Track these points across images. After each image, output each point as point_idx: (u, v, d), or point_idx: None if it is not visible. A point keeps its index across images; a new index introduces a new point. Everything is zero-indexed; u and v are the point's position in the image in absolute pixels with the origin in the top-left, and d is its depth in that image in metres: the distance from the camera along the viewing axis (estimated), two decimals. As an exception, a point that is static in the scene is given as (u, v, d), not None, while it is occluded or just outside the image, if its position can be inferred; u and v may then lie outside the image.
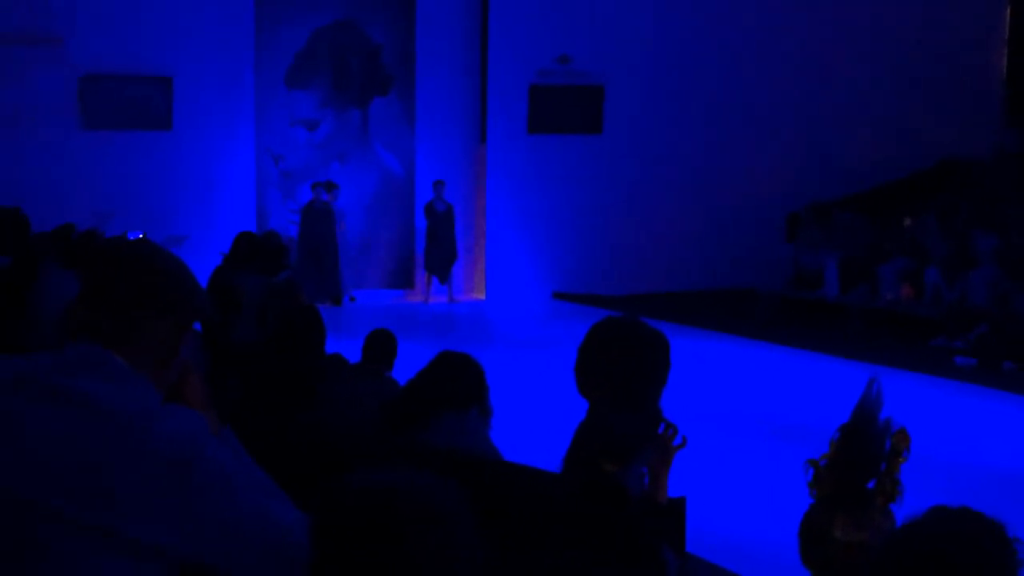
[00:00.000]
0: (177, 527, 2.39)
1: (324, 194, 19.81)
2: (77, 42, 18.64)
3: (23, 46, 18.43)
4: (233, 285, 9.02)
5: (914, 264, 17.57)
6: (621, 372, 3.82)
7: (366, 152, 20.73)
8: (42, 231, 10.24)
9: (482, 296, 20.98)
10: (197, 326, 5.19)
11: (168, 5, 19.08)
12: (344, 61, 20.49)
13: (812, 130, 22.02)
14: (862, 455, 3.15)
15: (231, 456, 2.53)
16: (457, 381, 5.62)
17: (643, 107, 21.19)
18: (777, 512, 8.22)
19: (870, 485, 3.12)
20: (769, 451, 10.91)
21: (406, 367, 7.42)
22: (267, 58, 20.03)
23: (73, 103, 18.85)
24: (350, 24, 20.49)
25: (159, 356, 2.61)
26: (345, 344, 8.09)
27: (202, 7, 19.31)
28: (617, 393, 3.79)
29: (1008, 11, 23.26)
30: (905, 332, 16.79)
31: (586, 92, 21.07)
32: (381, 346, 7.56)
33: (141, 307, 2.59)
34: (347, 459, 4.32)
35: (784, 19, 21.68)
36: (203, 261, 11.67)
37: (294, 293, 8.58)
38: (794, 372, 15.05)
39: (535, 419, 11.00)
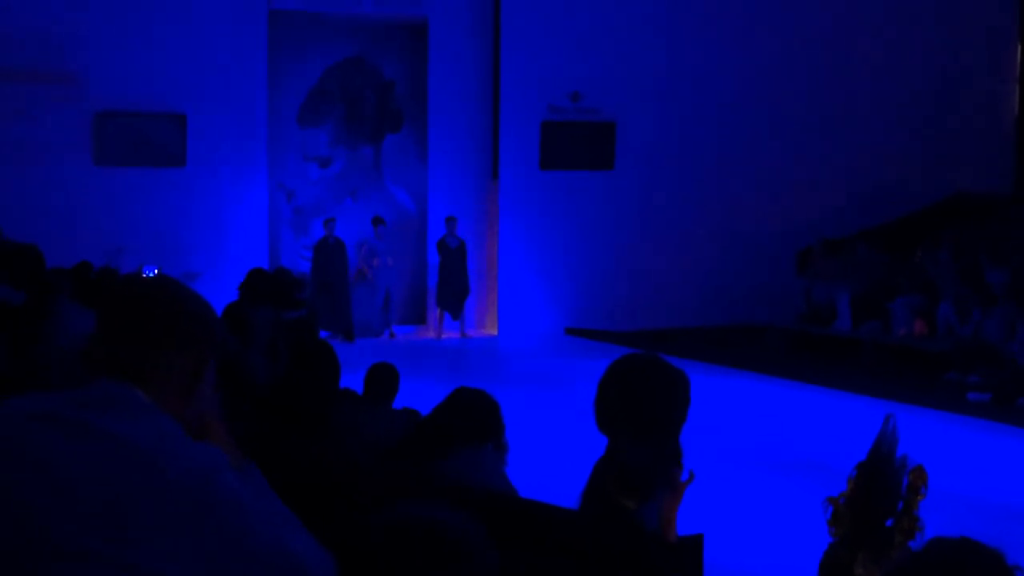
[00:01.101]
0: (195, 561, 2.40)
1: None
2: (92, 79, 18.72)
3: (38, 83, 18.52)
4: (246, 320, 9.04)
5: (926, 299, 17.55)
6: (642, 408, 3.82)
7: (378, 188, 20.78)
8: (57, 266, 10.26)
9: (494, 332, 20.97)
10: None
11: (182, 42, 19.17)
12: (357, 98, 20.57)
13: (823, 165, 22.04)
14: (880, 493, 3.14)
15: (250, 491, 2.53)
16: (473, 417, 5.62)
17: (654, 143, 21.23)
18: (795, 550, 8.19)
19: (889, 523, 3.11)
20: (784, 487, 10.88)
21: (419, 403, 7.43)
22: (280, 95, 20.11)
23: (87, 139, 18.92)
24: (362, 61, 20.58)
25: (180, 391, 2.62)
26: (357, 380, 8.09)
27: (216, 44, 19.41)
28: (638, 429, 3.79)
29: (1019, 47, 23.30)
30: (918, 367, 16.74)
31: (598, 128, 21.12)
32: (383, 379, 7.55)
33: (161, 343, 2.60)
34: (363, 494, 4.32)
35: (794, 55, 21.73)
36: (216, 297, 11.68)
37: (310, 329, 8.59)
38: (807, 407, 15.01)
39: (549, 455, 10.98)
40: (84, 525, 2.39)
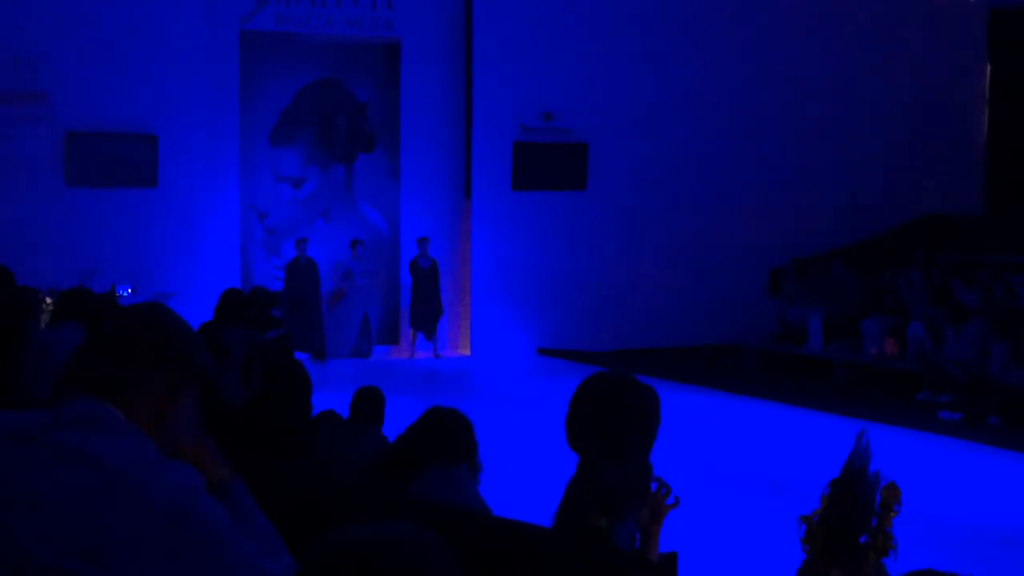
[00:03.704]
0: None
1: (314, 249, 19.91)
2: (63, 99, 18.66)
3: (9, 103, 18.45)
4: (221, 341, 9.02)
5: (897, 319, 17.63)
6: (612, 426, 3.83)
7: (351, 209, 20.77)
8: (29, 286, 10.21)
9: (467, 352, 20.96)
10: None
11: (154, 63, 19.13)
12: (329, 118, 20.56)
13: (795, 186, 22.14)
14: (854, 510, 3.15)
15: (229, 511, 2.52)
16: (447, 437, 5.62)
17: (627, 164, 21.29)
18: (769, 568, 8.20)
19: (863, 540, 3.12)
20: (756, 506, 10.90)
21: (392, 423, 7.42)
22: (252, 116, 20.09)
23: (59, 160, 18.85)
24: (335, 82, 20.58)
25: (154, 411, 2.61)
26: (329, 400, 8.08)
27: (188, 65, 19.38)
28: (608, 447, 3.80)
29: (988, 69, 23.48)
30: (889, 387, 16.81)
31: (570, 149, 21.16)
32: (371, 402, 7.57)
33: (135, 362, 2.59)
34: (336, 514, 4.31)
35: (767, 76, 21.84)
36: (189, 317, 11.62)
37: (285, 349, 8.57)
38: (779, 427, 15.05)
39: (522, 475, 10.98)
40: (62, 546, 2.38)
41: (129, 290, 16.65)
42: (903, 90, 22.61)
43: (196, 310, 14.07)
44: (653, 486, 3.81)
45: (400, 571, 2.05)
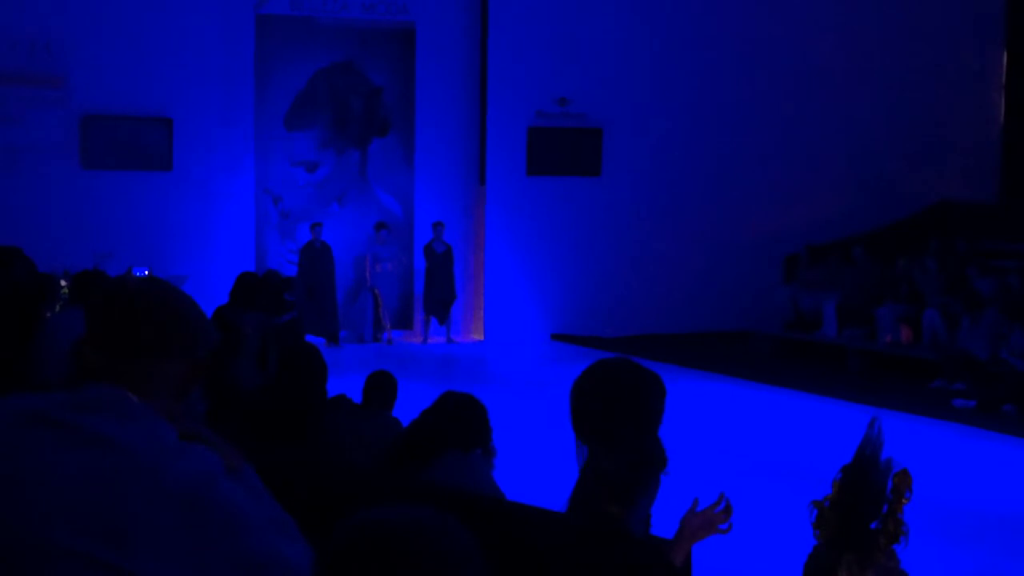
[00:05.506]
0: (187, 566, 2.39)
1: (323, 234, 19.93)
2: (79, 82, 18.71)
3: (25, 86, 18.50)
4: (235, 325, 9.05)
5: (912, 306, 17.60)
6: (613, 412, 3.81)
7: (365, 193, 20.79)
8: (46, 270, 10.24)
9: (481, 337, 20.98)
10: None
11: (169, 47, 19.16)
12: (344, 103, 20.57)
13: (810, 172, 22.10)
14: (865, 496, 3.16)
15: (244, 495, 2.53)
16: (462, 422, 5.64)
17: (641, 149, 21.27)
18: (781, 553, 8.22)
19: (874, 526, 3.13)
20: (769, 492, 10.90)
21: (405, 408, 7.45)
22: (267, 99, 20.11)
23: (74, 143, 18.90)
24: (350, 66, 20.58)
25: (172, 393, 2.62)
26: (342, 384, 8.09)
27: (203, 49, 19.41)
28: (610, 434, 3.78)
29: (1005, 55, 23.39)
30: (903, 374, 16.79)
31: (585, 134, 21.14)
32: (382, 387, 7.59)
33: (154, 350, 2.60)
34: (350, 498, 4.33)
35: (782, 62, 21.78)
36: (203, 300, 11.65)
37: (297, 333, 8.62)
38: (793, 413, 15.04)
39: (535, 460, 11.00)
40: (80, 528, 2.39)
41: (145, 272, 16.71)
42: (919, 76, 22.54)
43: (211, 293, 14.10)
44: (721, 505, 3.80)
45: (421, 553, 2.05)
